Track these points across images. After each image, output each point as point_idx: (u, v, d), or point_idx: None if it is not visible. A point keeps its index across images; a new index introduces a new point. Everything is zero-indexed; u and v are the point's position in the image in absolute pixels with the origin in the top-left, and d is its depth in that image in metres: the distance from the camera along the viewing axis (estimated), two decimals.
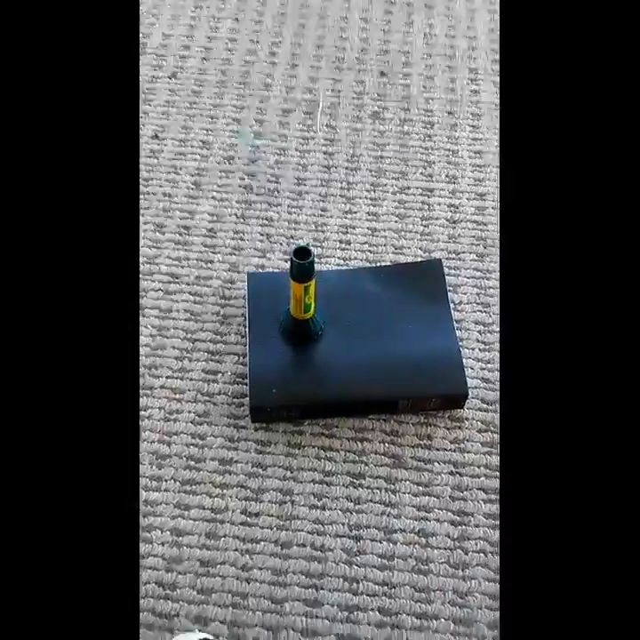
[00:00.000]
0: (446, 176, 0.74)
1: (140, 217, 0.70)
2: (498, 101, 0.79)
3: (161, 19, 0.86)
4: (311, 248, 0.53)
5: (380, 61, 0.83)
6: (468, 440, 0.58)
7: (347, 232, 0.70)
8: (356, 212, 0.71)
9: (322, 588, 0.52)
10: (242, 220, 0.71)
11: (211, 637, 0.48)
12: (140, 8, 0.87)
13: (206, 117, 0.78)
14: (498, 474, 0.56)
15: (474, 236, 0.70)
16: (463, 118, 0.78)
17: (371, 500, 0.55)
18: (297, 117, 0.78)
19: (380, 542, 0.54)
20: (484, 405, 0.60)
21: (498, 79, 0.81)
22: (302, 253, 0.52)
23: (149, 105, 0.79)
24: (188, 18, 0.86)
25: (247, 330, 0.61)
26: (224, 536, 0.54)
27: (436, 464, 0.57)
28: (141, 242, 0.69)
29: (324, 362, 0.60)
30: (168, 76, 0.81)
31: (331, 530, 0.54)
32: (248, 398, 0.58)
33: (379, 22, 0.86)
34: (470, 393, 0.59)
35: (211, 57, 0.83)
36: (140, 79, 0.80)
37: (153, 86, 0.80)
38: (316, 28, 0.86)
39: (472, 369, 0.62)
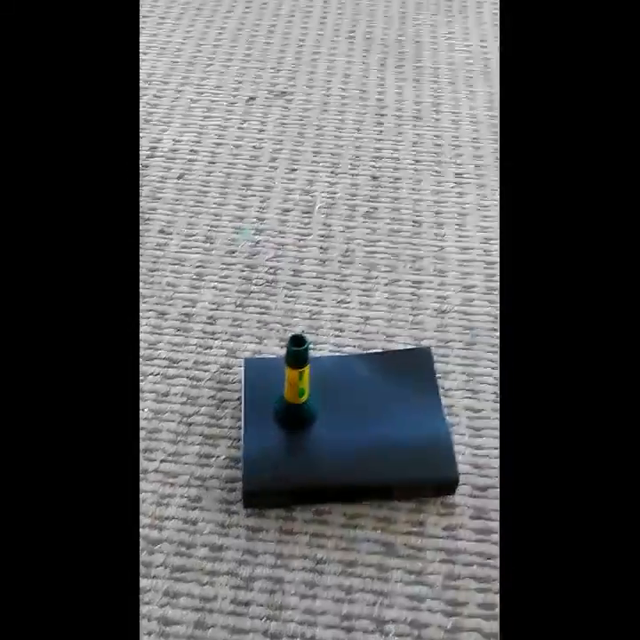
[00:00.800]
0: (434, 270, 0.78)
1: (144, 304, 0.74)
2: (481, 202, 0.85)
3: (172, 126, 0.95)
4: (306, 336, 0.56)
5: (371, 166, 0.90)
6: (460, 527, 0.58)
7: (340, 320, 0.74)
8: (349, 302, 0.75)
9: None
10: (240, 309, 0.74)
11: None
12: (152, 115, 0.96)
13: (211, 215, 0.84)
14: (490, 562, 0.56)
15: (462, 326, 0.73)
16: (449, 217, 0.84)
17: (362, 590, 0.55)
18: (295, 216, 0.84)
19: (372, 633, 0.52)
20: (476, 491, 0.60)
21: (480, 182, 0.87)
22: (298, 341, 0.55)
23: (157, 201, 0.85)
24: (197, 126, 0.95)
25: (242, 414, 0.63)
26: (213, 626, 0.53)
27: (428, 552, 0.57)
28: (143, 328, 0.72)
29: (318, 447, 0.61)
30: (176, 178, 0.88)
31: (321, 620, 0.53)
32: (241, 482, 0.59)
33: (371, 131, 0.95)
34: (462, 479, 0.60)
35: (216, 161, 0.91)
36: (149, 180, 0.87)
37: (162, 186, 0.87)
38: (315, 137, 0.94)
39: (463, 455, 0.63)
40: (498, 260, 0.79)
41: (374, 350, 0.70)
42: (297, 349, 0.55)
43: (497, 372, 0.69)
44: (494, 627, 0.53)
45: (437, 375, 0.67)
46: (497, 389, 0.67)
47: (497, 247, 0.80)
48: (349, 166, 0.90)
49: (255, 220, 0.83)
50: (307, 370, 0.57)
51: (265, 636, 0.52)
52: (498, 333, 0.72)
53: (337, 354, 0.70)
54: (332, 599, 0.54)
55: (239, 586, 0.55)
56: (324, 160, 0.91)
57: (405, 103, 0.99)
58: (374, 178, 0.89)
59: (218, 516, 0.59)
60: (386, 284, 0.77)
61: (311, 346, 0.71)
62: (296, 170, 0.90)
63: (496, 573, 0.55)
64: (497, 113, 0.98)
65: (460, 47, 1.08)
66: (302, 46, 1.08)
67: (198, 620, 0.53)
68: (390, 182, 0.88)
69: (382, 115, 0.98)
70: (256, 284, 0.77)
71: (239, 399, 0.66)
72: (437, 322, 0.73)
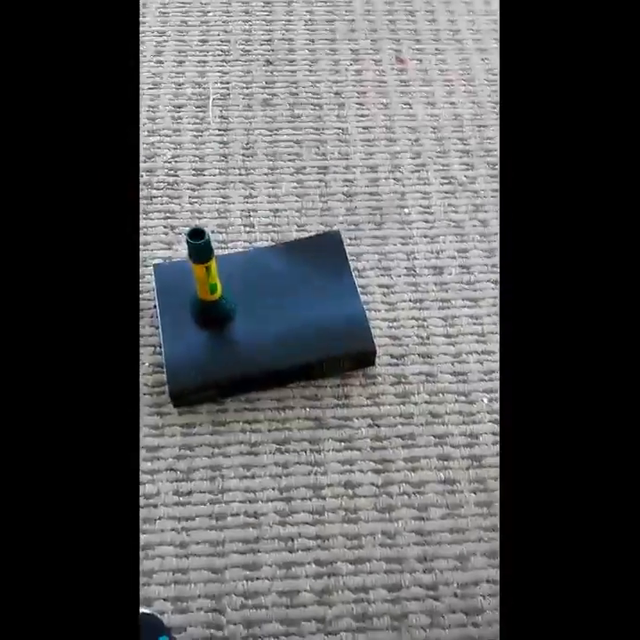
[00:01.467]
0: (339, 153, 0.77)
1: None
2: (380, 79, 0.83)
3: None
4: (205, 228, 0.55)
5: (264, 51, 0.85)
6: (382, 394, 0.62)
7: (249, 216, 0.72)
8: (256, 196, 0.74)
9: (259, 552, 0.54)
10: (145, 216, 0.72)
11: (153, 613, 0.49)
12: None
13: None
14: (411, 420, 0.60)
15: (370, 207, 0.73)
16: (349, 97, 0.81)
17: (297, 463, 0.58)
18: (189, 112, 0.80)
19: (311, 500, 0.56)
20: (394, 360, 0.63)
21: (377, 57, 0.85)
22: (196, 234, 0.54)
23: None
24: None
25: (158, 319, 0.62)
26: (159, 518, 0.55)
27: (355, 420, 0.60)
28: None
29: (238, 339, 0.62)
30: None
31: (262, 496, 0.57)
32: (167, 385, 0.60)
33: (260, 13, 0.89)
34: (380, 350, 0.63)
35: None
36: None
37: None
38: (200, 25, 0.87)
39: (380, 329, 0.65)
40: (401, 137, 0.78)
41: (285, 241, 0.70)
42: (196, 243, 0.54)
43: (406, 248, 0.70)
44: (419, 476, 0.58)
45: (350, 257, 0.68)
46: (407, 264, 0.69)
47: (400, 123, 0.79)
48: (240, 53, 0.85)
49: (146, 120, 0.78)
50: (212, 264, 0.57)
51: (211, 519, 0.55)
52: (406, 210, 0.73)
53: (249, 249, 0.70)
54: (269, 476, 0.57)
55: (179, 479, 0.57)
56: (213, 48, 0.85)
57: None
58: (268, 62, 0.84)
59: (151, 419, 0.60)
60: (292, 174, 0.76)
61: (222, 245, 0.70)
62: (183, 62, 0.84)
63: (418, 430, 0.60)
64: None
65: None
66: None
67: (145, 517, 0.55)
68: (285, 65, 0.84)
69: None
70: (157, 188, 0.74)
71: (155, 306, 0.65)
72: (346, 206, 0.73)
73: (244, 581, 0.53)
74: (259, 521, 0.55)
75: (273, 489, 0.57)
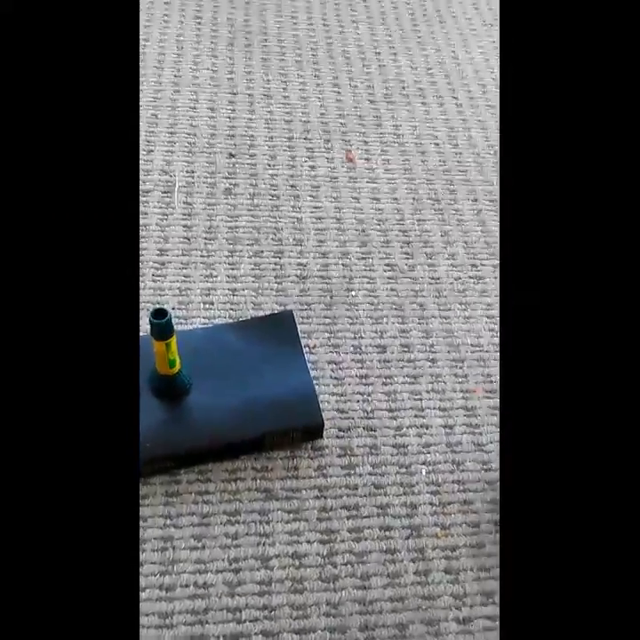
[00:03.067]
0: (293, 239, 0.84)
1: None
2: (332, 174, 0.92)
3: None
4: (167, 308, 0.59)
5: (228, 144, 0.94)
6: (329, 465, 0.65)
7: (208, 294, 0.77)
8: (216, 276, 0.79)
9: (207, 623, 0.55)
10: None
11: None
12: None
13: None
14: (356, 491, 0.64)
15: (321, 289, 0.80)
16: (304, 190, 0.90)
17: (247, 534, 0.60)
18: (156, 197, 0.86)
19: (258, 570, 0.58)
20: (341, 433, 0.68)
21: (329, 156, 0.94)
22: (159, 314, 0.58)
23: None
24: None
25: None
26: None
27: (303, 491, 0.63)
28: None
29: (194, 412, 0.65)
30: None
31: (211, 567, 0.58)
32: None
33: (225, 111, 0.98)
34: (328, 423, 0.67)
35: None
36: None
37: None
38: (168, 118, 0.95)
39: (328, 403, 0.70)
40: (349, 227, 0.86)
41: (242, 319, 0.75)
42: (158, 322, 0.58)
43: (354, 327, 0.76)
44: (363, 546, 0.61)
45: (302, 334, 0.74)
46: (354, 343, 0.75)
47: (349, 215, 0.87)
48: (206, 145, 0.93)
49: None
50: (173, 341, 0.61)
51: (160, 590, 0.56)
52: (353, 293, 0.80)
53: (207, 325, 0.74)
54: (220, 546, 0.59)
55: None
56: (180, 140, 0.93)
57: (255, 82, 1.03)
58: (231, 155, 0.92)
59: None
60: (250, 256, 0.82)
61: (182, 320, 0.74)
62: (152, 151, 0.91)
63: (362, 500, 0.63)
64: (342, 92, 1.04)
65: (303, 25, 1.13)
66: (149, 28, 1.08)
67: None
68: (247, 159, 0.92)
69: (234, 94, 1.01)
70: None
71: None
72: (300, 287, 0.80)
73: None
74: (207, 592, 0.57)
75: (222, 560, 0.59)
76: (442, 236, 0.87)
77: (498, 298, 0.81)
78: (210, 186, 0.88)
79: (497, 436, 0.69)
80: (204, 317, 0.75)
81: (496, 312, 0.80)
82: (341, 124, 0.99)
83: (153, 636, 0.54)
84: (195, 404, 0.65)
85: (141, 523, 0.60)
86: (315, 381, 0.70)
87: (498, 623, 0.57)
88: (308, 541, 0.60)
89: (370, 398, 0.71)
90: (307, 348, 0.73)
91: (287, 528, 0.61)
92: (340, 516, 0.62)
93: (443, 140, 0.98)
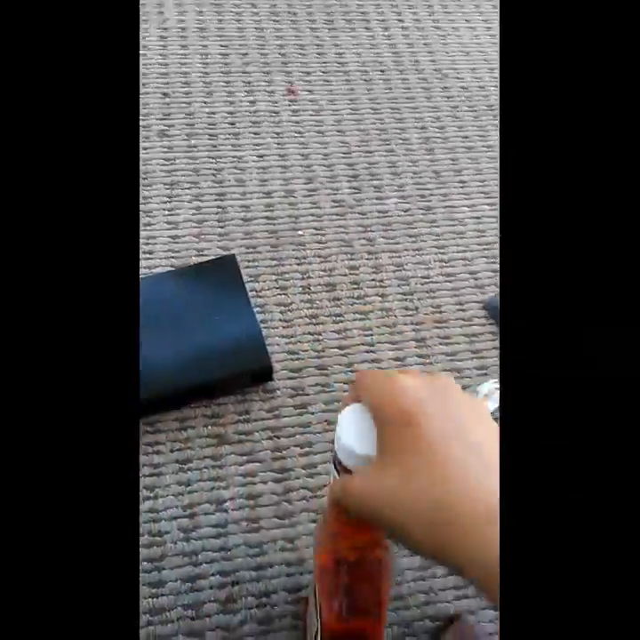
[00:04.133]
0: (235, 180, 0.81)
1: None
2: (272, 109, 0.88)
3: None
4: None
5: (160, 83, 0.88)
6: (281, 406, 0.65)
7: (148, 243, 0.74)
8: (155, 224, 0.76)
9: (163, 569, 0.56)
10: None
11: None
12: None
13: None
14: (309, 429, 0.64)
15: (266, 231, 0.77)
16: (244, 127, 0.86)
17: (200, 480, 0.60)
18: None
19: (213, 514, 0.59)
20: (292, 374, 0.67)
21: (269, 88, 0.89)
22: None
23: None
24: None
25: None
26: None
27: (255, 434, 0.63)
28: None
29: (141, 364, 0.63)
30: None
31: (165, 515, 0.58)
32: None
33: (155, 48, 0.92)
34: (278, 365, 0.66)
35: None
36: None
37: None
38: None
39: (278, 345, 0.69)
40: (294, 163, 0.83)
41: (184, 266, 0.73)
42: None
43: (301, 268, 0.75)
44: (318, 481, 0.61)
45: (249, 278, 0.72)
46: (303, 283, 0.73)
47: (293, 151, 0.84)
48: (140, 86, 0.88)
49: None
50: None
51: None
52: (300, 232, 0.77)
53: (148, 275, 0.71)
54: (173, 494, 0.59)
55: None
56: None
57: (187, 14, 0.96)
58: (165, 95, 0.87)
59: None
60: (190, 201, 0.78)
61: None
62: None
63: (315, 437, 0.63)
64: (281, 21, 0.98)
65: None
66: None
67: None
68: (181, 97, 0.87)
69: (164, 28, 0.95)
70: None
71: None
72: (244, 230, 0.77)
73: (150, 599, 0.54)
74: (163, 539, 0.57)
75: (176, 507, 0.59)
76: (389, 166, 0.84)
77: (446, 228, 0.80)
78: (144, 128, 0.84)
79: (447, 365, 0.69)
80: (144, 268, 0.73)
81: (445, 242, 0.78)
82: (281, 54, 0.94)
83: None
84: (141, 355, 0.64)
85: None
86: (264, 324, 0.69)
87: None
88: (263, 481, 0.61)
89: (320, 337, 0.70)
90: (254, 292, 0.71)
91: (241, 470, 0.61)
92: (293, 454, 0.62)
93: (388, 67, 0.94)
